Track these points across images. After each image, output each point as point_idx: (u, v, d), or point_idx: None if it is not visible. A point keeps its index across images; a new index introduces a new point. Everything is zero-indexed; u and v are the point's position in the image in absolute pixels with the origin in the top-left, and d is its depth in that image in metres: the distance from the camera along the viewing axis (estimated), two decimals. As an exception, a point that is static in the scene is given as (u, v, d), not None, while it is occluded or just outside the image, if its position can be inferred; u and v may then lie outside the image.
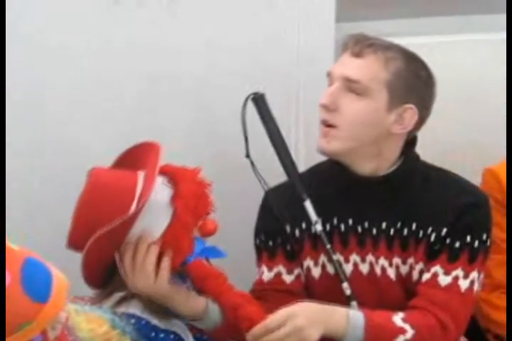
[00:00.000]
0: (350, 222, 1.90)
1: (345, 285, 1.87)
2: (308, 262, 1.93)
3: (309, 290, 1.95)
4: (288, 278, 1.94)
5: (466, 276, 1.82)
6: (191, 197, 1.68)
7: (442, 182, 1.90)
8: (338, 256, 1.88)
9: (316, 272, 1.93)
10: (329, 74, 1.87)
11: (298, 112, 2.28)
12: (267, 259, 1.95)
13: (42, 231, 2.11)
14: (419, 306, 1.82)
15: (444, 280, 1.82)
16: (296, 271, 1.95)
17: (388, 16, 2.46)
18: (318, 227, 1.88)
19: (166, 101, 2.22)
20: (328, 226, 1.90)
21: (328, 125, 1.85)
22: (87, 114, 2.16)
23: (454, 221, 1.85)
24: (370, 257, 1.89)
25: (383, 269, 1.89)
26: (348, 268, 1.90)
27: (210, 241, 1.78)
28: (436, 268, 1.83)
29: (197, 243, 1.73)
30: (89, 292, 1.79)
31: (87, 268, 1.68)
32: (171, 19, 2.16)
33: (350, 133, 1.82)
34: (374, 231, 1.89)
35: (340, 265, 1.88)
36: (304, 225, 1.93)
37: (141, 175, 1.69)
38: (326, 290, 1.92)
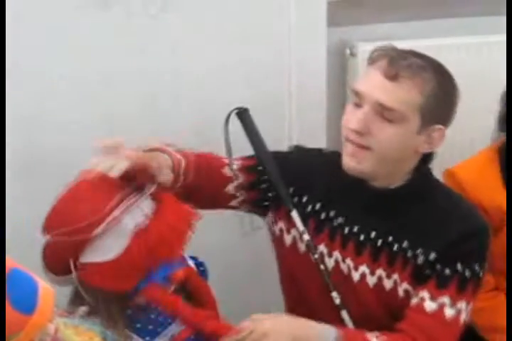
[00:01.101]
0: (340, 220, 1.89)
1: (334, 294, 1.86)
2: (280, 225, 1.93)
3: (279, 259, 1.96)
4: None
5: (452, 305, 1.80)
6: (159, 235, 1.62)
7: (445, 206, 1.87)
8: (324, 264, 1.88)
9: (288, 239, 1.92)
10: (357, 93, 1.79)
11: (291, 117, 2.28)
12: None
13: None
14: (402, 329, 1.80)
15: (430, 305, 1.80)
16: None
17: (381, 20, 2.45)
18: (306, 237, 1.88)
19: (163, 105, 2.22)
20: (323, 216, 1.90)
21: (359, 145, 1.81)
22: (86, 116, 2.15)
23: (446, 247, 1.82)
24: (348, 261, 1.88)
25: (363, 276, 1.87)
26: (330, 263, 1.89)
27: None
28: (424, 293, 1.81)
29: (160, 269, 1.67)
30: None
31: (47, 257, 1.65)
32: (164, 21, 2.15)
33: (382, 156, 1.80)
34: (361, 237, 1.88)
35: (329, 275, 1.87)
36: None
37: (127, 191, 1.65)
38: (294, 261, 1.92)
